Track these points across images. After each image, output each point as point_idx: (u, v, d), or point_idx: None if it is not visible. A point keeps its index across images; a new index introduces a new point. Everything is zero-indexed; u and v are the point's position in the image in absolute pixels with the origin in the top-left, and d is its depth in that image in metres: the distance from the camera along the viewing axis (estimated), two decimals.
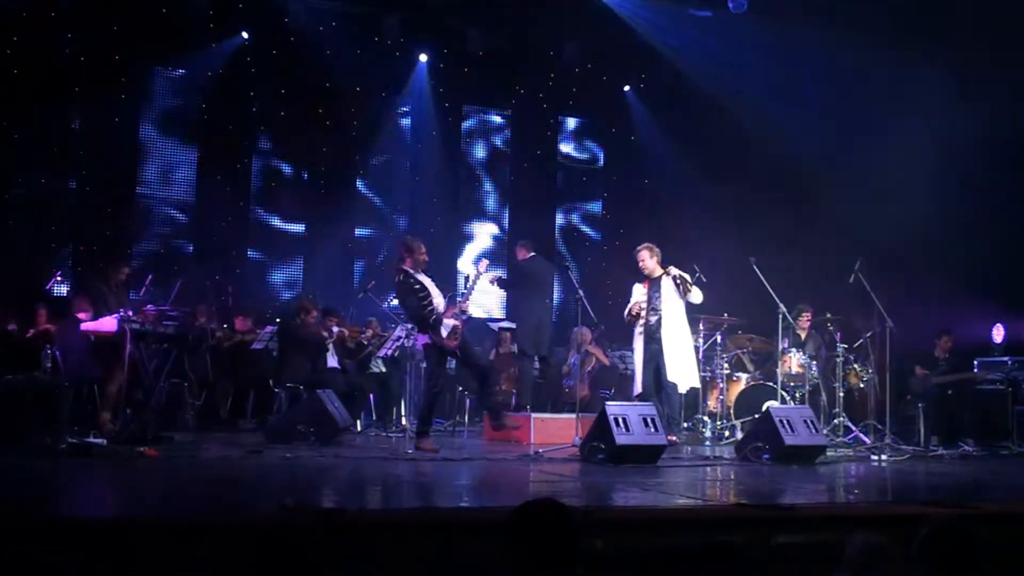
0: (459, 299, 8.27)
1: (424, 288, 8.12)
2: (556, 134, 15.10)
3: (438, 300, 8.18)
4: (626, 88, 14.82)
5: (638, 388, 9.03)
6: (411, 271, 8.16)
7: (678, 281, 8.89)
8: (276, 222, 13.53)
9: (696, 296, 8.99)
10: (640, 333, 9.02)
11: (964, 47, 10.66)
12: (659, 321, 8.92)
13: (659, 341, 8.87)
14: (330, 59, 12.88)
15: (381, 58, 13.34)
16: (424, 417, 8.21)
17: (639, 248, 9.16)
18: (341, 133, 13.39)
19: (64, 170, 12.36)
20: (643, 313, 8.98)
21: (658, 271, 9.04)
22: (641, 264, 9.05)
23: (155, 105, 12.99)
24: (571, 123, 15.36)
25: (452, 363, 9.03)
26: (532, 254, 10.25)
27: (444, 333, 8.06)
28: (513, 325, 10.94)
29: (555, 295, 11.61)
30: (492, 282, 9.97)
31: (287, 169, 13.68)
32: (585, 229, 15.36)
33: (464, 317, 8.18)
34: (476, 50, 13.65)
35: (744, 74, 12.79)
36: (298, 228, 13.64)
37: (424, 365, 9.57)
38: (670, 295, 8.96)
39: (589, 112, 15.08)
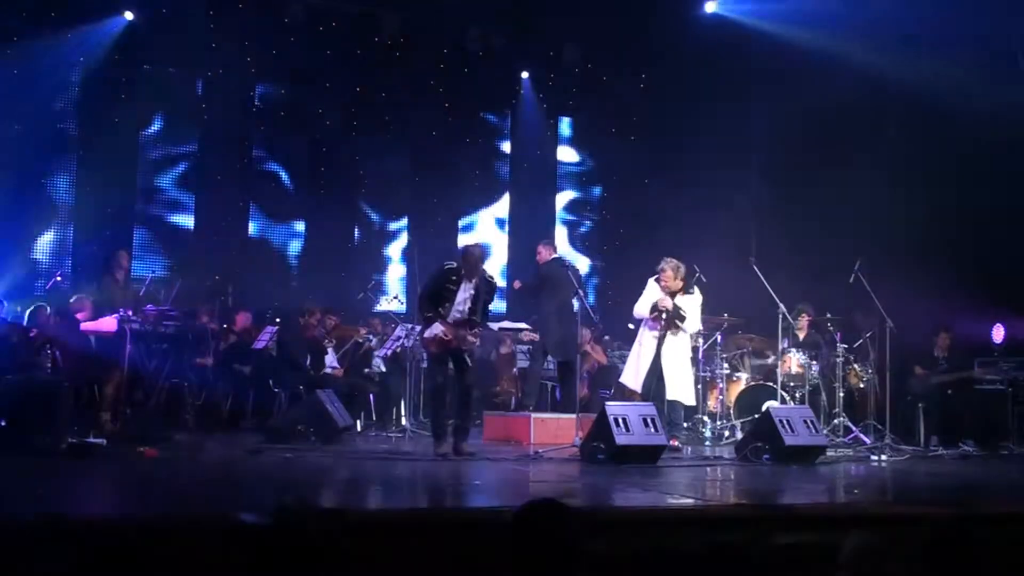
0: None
1: (455, 293, 7.79)
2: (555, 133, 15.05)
3: (455, 309, 7.82)
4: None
5: (634, 385, 8.87)
6: (462, 273, 7.83)
7: (675, 317, 8.70)
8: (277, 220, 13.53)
9: (691, 326, 8.81)
10: (653, 336, 8.77)
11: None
12: (666, 335, 8.78)
13: (661, 356, 8.71)
14: (327, 57, 12.87)
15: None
16: (433, 423, 8.13)
17: (664, 263, 8.81)
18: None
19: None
20: (662, 317, 8.74)
21: (678, 289, 8.80)
22: (664, 283, 8.77)
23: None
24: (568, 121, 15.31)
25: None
26: (554, 256, 9.90)
27: (428, 334, 7.86)
28: (514, 325, 10.90)
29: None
30: (516, 288, 9.54)
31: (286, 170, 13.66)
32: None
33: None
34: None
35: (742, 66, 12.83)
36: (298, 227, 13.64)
37: (424, 365, 9.58)
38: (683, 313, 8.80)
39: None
